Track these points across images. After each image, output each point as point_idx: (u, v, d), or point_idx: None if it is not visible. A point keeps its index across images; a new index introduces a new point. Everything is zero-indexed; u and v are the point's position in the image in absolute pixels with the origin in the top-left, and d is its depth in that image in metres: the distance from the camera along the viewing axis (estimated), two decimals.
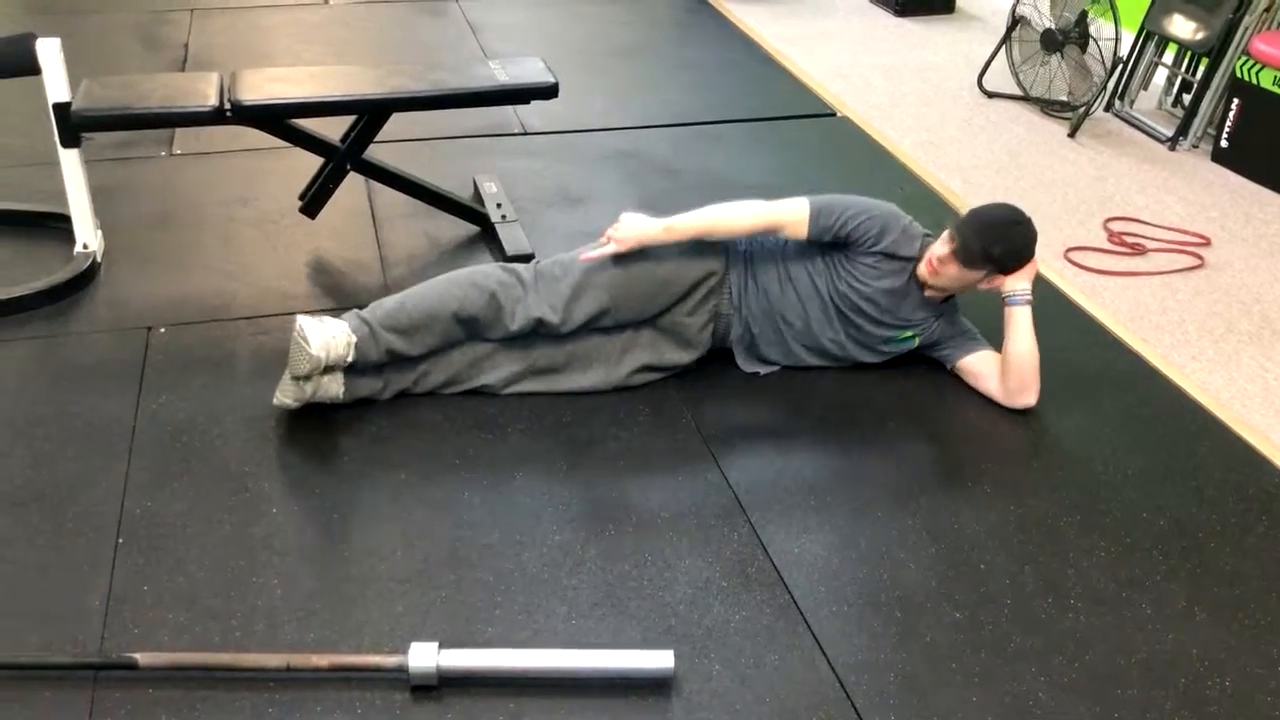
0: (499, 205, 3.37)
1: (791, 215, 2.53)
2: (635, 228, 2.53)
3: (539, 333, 2.54)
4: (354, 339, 2.41)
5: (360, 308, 2.50)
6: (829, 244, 2.58)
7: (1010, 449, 2.49)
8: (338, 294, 2.96)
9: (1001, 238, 2.48)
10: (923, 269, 2.54)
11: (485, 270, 2.56)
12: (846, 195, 2.58)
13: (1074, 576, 2.14)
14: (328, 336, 2.38)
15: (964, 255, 2.46)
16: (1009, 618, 2.04)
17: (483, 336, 2.54)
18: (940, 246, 2.51)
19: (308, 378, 2.40)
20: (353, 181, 3.16)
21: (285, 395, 2.41)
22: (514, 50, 4.76)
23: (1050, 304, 2.99)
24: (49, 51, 2.75)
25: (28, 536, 2.12)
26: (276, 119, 2.91)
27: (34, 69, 2.75)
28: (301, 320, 2.37)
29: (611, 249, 2.53)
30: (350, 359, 2.42)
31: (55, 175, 2.92)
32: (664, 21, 5.31)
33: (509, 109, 4.13)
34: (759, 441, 2.48)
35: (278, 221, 3.30)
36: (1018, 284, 2.53)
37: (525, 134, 4.00)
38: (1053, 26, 4.30)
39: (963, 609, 2.06)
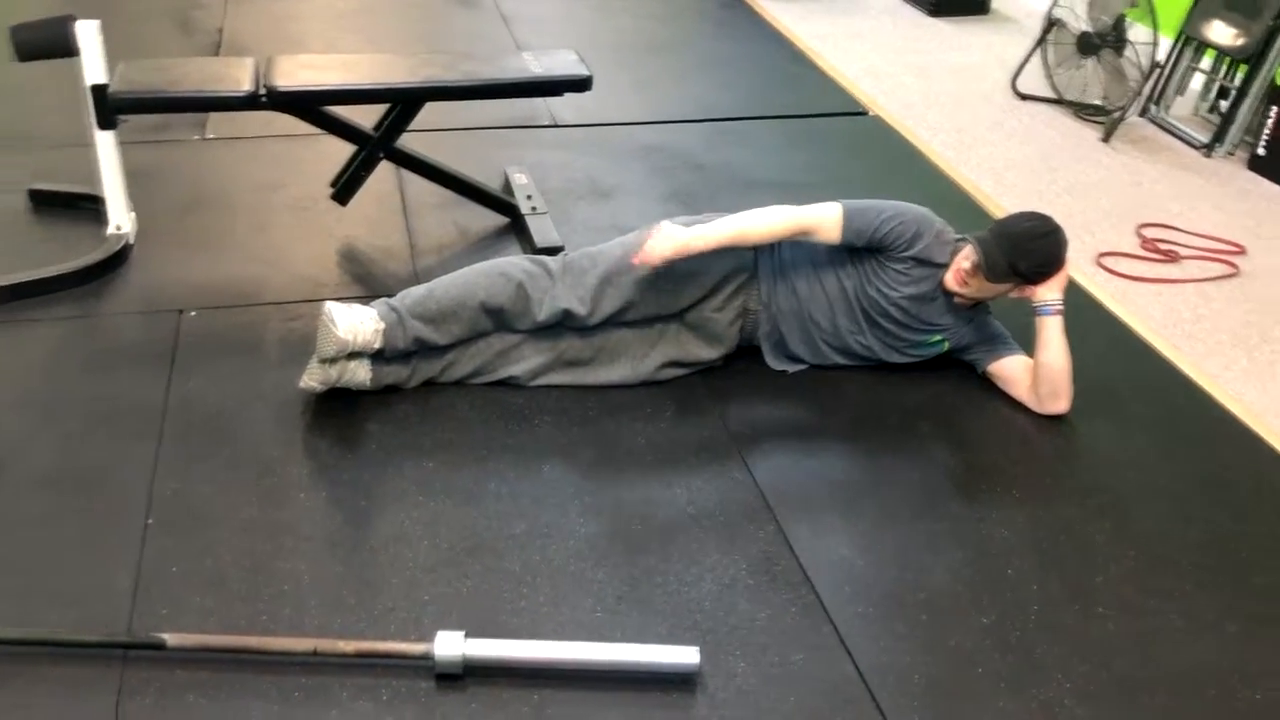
0: (529, 197, 3.37)
1: (824, 220, 2.52)
2: (670, 240, 2.48)
3: (566, 324, 2.54)
4: (382, 326, 2.42)
5: (390, 296, 2.51)
6: (860, 248, 2.57)
7: (1039, 454, 2.48)
8: (367, 281, 2.96)
9: (1028, 253, 2.44)
10: (949, 279, 2.52)
11: (513, 261, 2.56)
12: (879, 199, 2.56)
13: (1102, 585, 2.13)
14: (355, 321, 2.39)
15: (988, 269, 2.44)
16: (1036, 624, 2.03)
17: (510, 327, 2.54)
18: (965, 260, 2.49)
19: (334, 361, 2.41)
20: (383, 170, 3.16)
21: (312, 378, 2.42)
22: (546, 42, 4.76)
23: (1082, 310, 2.97)
24: (88, 33, 2.76)
25: (59, 515, 2.13)
26: (311, 106, 2.91)
27: (72, 50, 2.77)
28: (330, 304, 2.38)
29: (653, 260, 2.48)
30: (377, 346, 2.42)
31: (88, 157, 2.94)
32: (696, 17, 5.30)
33: (539, 101, 4.13)
34: (786, 440, 2.47)
35: (309, 208, 3.31)
36: (1048, 294, 2.50)
37: (555, 126, 4.00)
38: (1089, 29, 4.27)
39: (989, 614, 2.05)
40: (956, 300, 2.57)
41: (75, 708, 1.75)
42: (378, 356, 2.46)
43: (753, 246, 2.59)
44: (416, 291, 2.51)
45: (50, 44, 2.76)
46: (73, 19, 2.75)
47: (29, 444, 2.30)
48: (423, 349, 2.49)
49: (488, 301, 2.48)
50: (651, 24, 5.14)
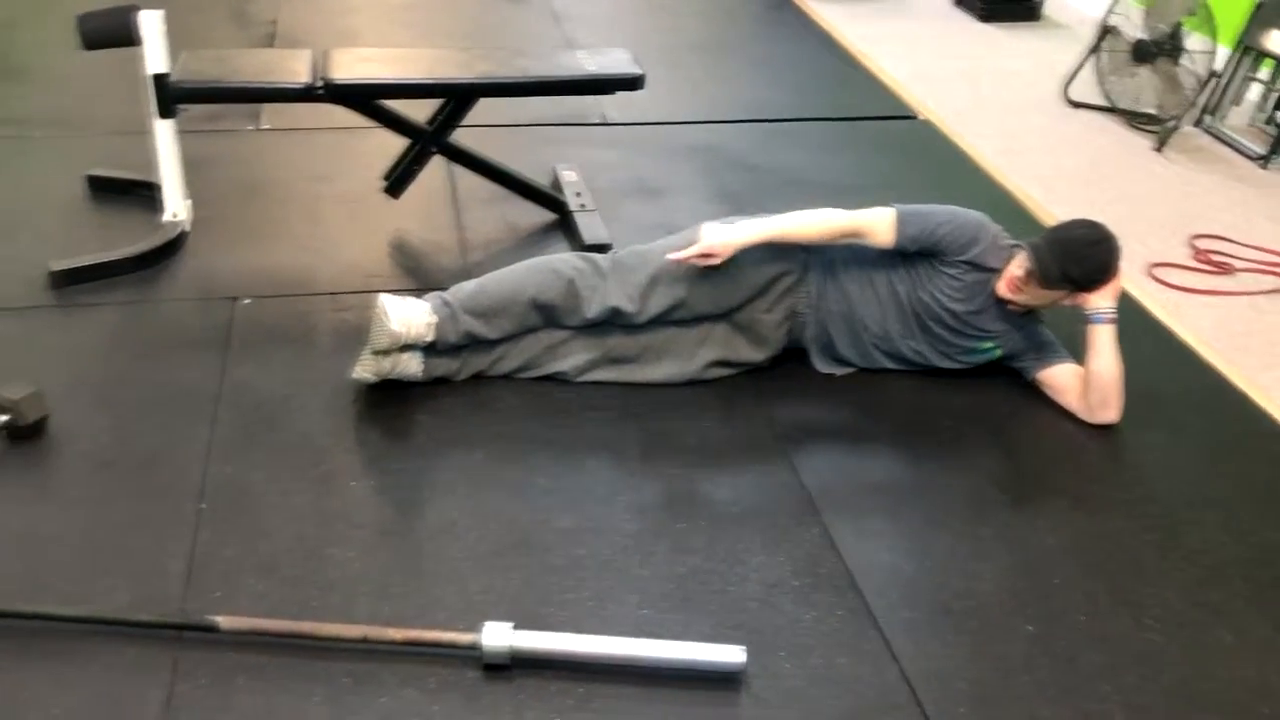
0: (578, 194, 3.38)
1: (877, 223, 2.52)
2: (725, 237, 2.49)
3: (614, 322, 2.55)
4: (434, 320, 2.44)
5: (441, 289, 2.53)
6: (913, 252, 2.56)
7: (1088, 465, 2.46)
8: (418, 275, 2.99)
9: (1081, 259, 2.43)
10: (1002, 286, 2.51)
11: (564, 258, 2.58)
12: (933, 204, 2.56)
13: (1151, 597, 2.11)
14: (408, 314, 2.41)
15: (1041, 277, 2.43)
16: (1083, 634, 2.02)
17: (559, 324, 2.56)
18: (1018, 267, 2.47)
19: (386, 353, 2.43)
20: (434, 164, 3.18)
21: (364, 369, 2.45)
22: (595, 40, 4.77)
23: (1132, 320, 2.94)
24: (150, 23, 2.80)
25: (115, 496, 2.17)
26: (366, 98, 2.94)
27: (135, 40, 2.81)
28: (384, 297, 2.41)
29: (709, 261, 2.49)
30: (429, 339, 2.45)
31: (145, 145, 2.98)
32: (745, 17, 5.30)
33: (589, 98, 4.14)
34: (833, 442, 2.46)
35: (361, 200, 3.34)
36: (1101, 302, 2.48)
37: (605, 124, 4.01)
38: (1145, 37, 4.22)
39: (1036, 622, 2.03)
40: (1009, 307, 2.55)
41: (130, 686, 1.78)
42: (429, 349, 2.49)
43: (804, 248, 2.59)
44: (468, 286, 2.53)
45: (115, 33, 2.81)
46: (137, 9, 2.80)
47: (87, 426, 2.34)
48: (473, 343, 2.51)
49: (538, 298, 2.50)
50: (700, 24, 5.15)
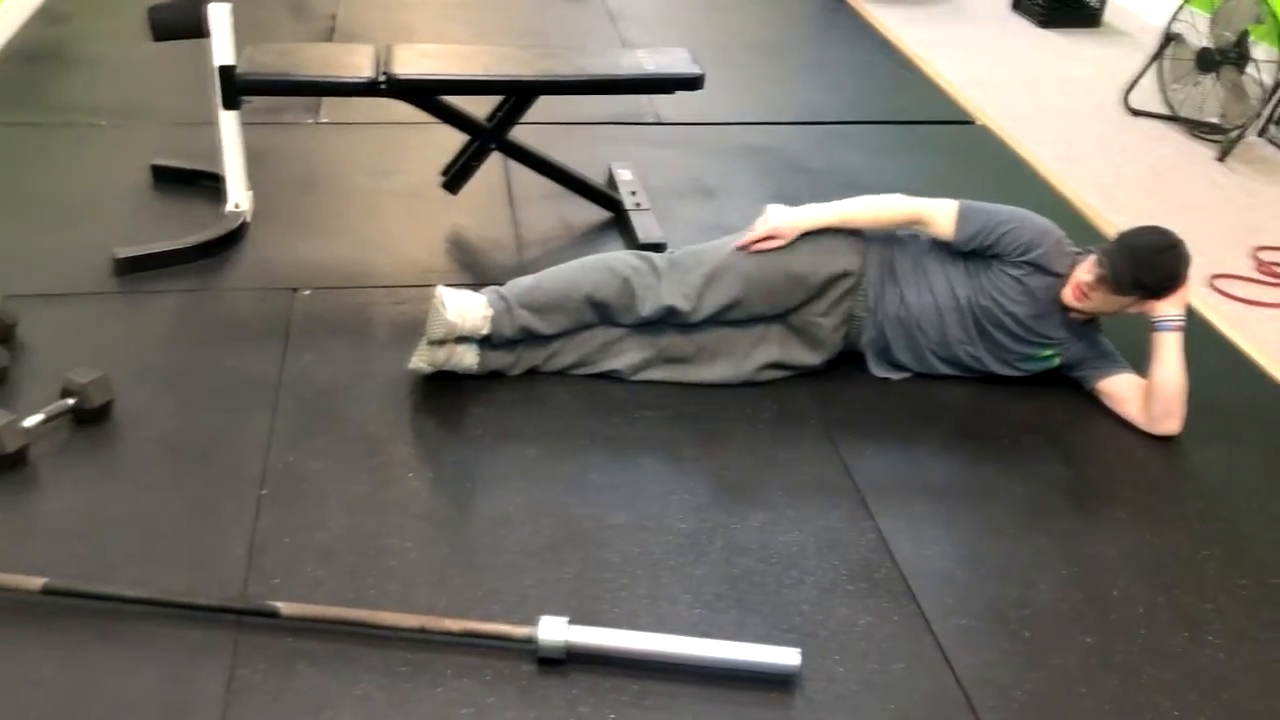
0: (633, 193, 3.39)
1: (940, 213, 2.52)
2: (789, 218, 2.53)
3: (669, 321, 2.55)
4: (490, 313, 2.46)
5: (497, 285, 2.55)
6: (973, 253, 2.54)
7: (1148, 476, 2.43)
8: (474, 269, 3.01)
9: (1153, 266, 2.41)
10: (1068, 293, 2.49)
11: (620, 256, 2.58)
12: (1000, 205, 2.54)
13: (1212, 612, 2.08)
14: (464, 306, 2.43)
15: (1113, 282, 2.41)
16: (1142, 647, 1.99)
17: (614, 321, 2.56)
18: (1086, 273, 2.45)
19: (442, 343, 2.45)
20: (490, 161, 3.20)
21: (420, 359, 2.47)
22: (651, 40, 4.78)
23: (1194, 331, 2.88)
24: (219, 15, 2.84)
25: (179, 481, 2.20)
26: (428, 94, 2.96)
27: (204, 32, 2.85)
28: (441, 288, 2.43)
29: (774, 243, 2.52)
30: (485, 332, 2.47)
31: (206, 136, 3.02)
32: (801, 19, 5.28)
33: (644, 97, 4.15)
34: (888, 447, 2.45)
35: (418, 194, 3.37)
36: (1169, 309, 2.46)
37: (660, 124, 4.02)
38: (1210, 45, 4.16)
39: (1094, 634, 2.01)
40: (1072, 315, 2.53)
41: (193, 668, 1.81)
42: (484, 342, 2.50)
43: (861, 251, 2.58)
44: (525, 282, 2.54)
45: (184, 25, 2.85)
46: (206, 1, 2.83)
47: (151, 410, 2.38)
48: (528, 337, 2.53)
49: (593, 295, 2.51)
50: (755, 25, 5.14)
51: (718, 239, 2.63)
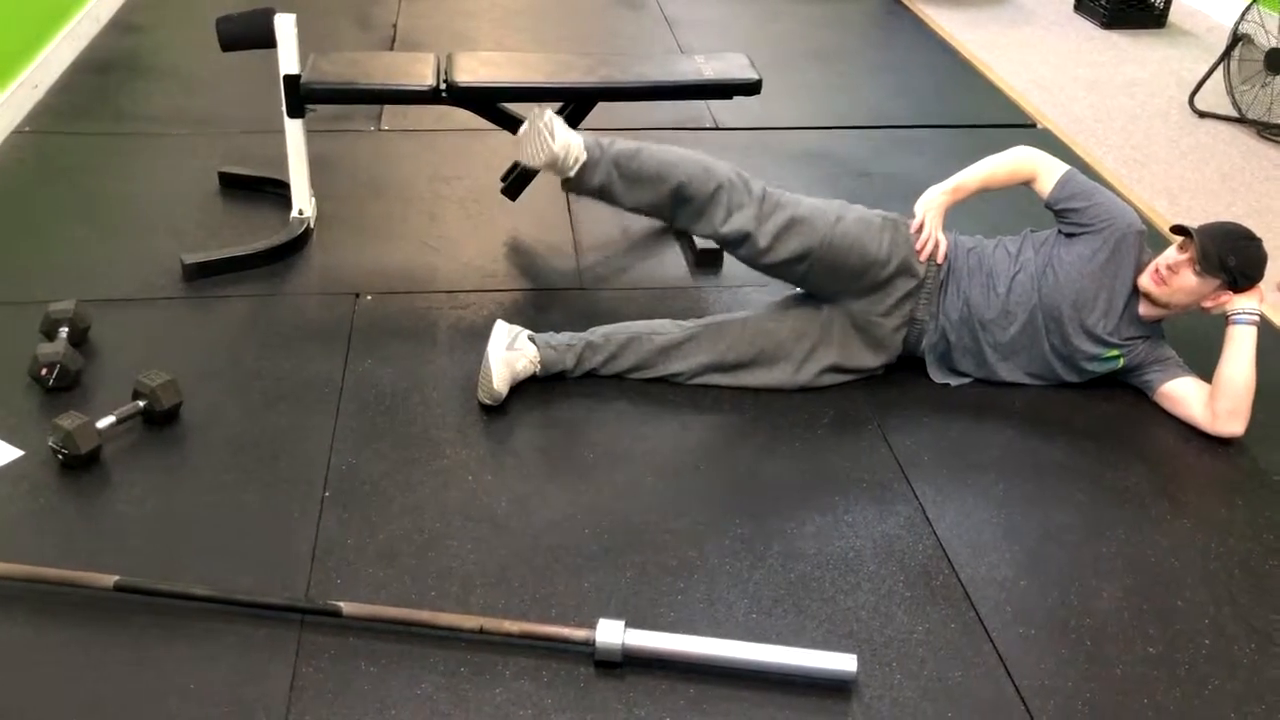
0: None
1: (1049, 169, 2.61)
2: (929, 199, 2.62)
3: (737, 249, 2.54)
4: (585, 157, 2.47)
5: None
6: (1040, 247, 2.57)
7: (1214, 484, 2.39)
8: (533, 275, 3.04)
9: (1239, 250, 2.43)
10: (1146, 280, 2.49)
11: (723, 164, 2.55)
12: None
13: (1279, 624, 2.04)
14: (570, 140, 2.46)
15: (1202, 262, 2.41)
16: (1207, 658, 1.96)
17: (690, 224, 2.54)
18: (1172, 253, 2.47)
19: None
20: None
21: (485, 397, 2.48)
22: (709, 46, 4.79)
23: (1262, 337, 2.84)
24: (285, 26, 2.90)
25: (245, 481, 2.25)
26: (489, 101, 3.00)
27: (270, 42, 2.91)
28: (549, 114, 2.46)
29: (935, 239, 2.59)
30: (573, 173, 2.47)
31: (270, 143, 3.08)
32: (859, 23, 5.26)
33: (701, 103, 4.16)
34: (947, 453, 2.44)
35: (478, 201, 3.41)
36: (1246, 302, 2.46)
37: (717, 129, 4.02)
38: (1279, 46, 4.08)
39: (1157, 644, 1.98)
40: (1142, 311, 2.52)
41: (258, 665, 1.85)
42: (545, 350, 2.52)
43: (929, 258, 2.57)
44: (626, 145, 2.52)
45: (251, 35, 2.91)
46: (273, 12, 2.90)
47: (218, 413, 2.44)
48: (605, 196, 2.52)
49: (685, 187, 2.49)
50: (813, 29, 5.12)
51: (818, 198, 2.61)
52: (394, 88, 2.93)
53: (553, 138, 2.42)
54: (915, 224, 2.60)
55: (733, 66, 3.12)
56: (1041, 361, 2.60)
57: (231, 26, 2.93)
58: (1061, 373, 2.61)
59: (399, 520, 2.17)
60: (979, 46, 5.02)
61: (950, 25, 5.28)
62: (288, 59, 2.92)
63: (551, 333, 2.59)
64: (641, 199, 2.52)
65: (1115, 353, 2.56)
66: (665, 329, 2.60)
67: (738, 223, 2.50)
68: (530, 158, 2.45)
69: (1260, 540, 2.24)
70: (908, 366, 2.68)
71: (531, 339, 2.54)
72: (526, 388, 2.55)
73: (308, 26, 4.74)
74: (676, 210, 2.54)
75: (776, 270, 2.56)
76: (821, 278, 2.55)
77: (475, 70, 2.98)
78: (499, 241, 3.19)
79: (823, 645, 1.95)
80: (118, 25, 4.69)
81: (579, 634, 1.88)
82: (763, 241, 2.50)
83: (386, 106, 3.99)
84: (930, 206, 2.62)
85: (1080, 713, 1.85)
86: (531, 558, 2.10)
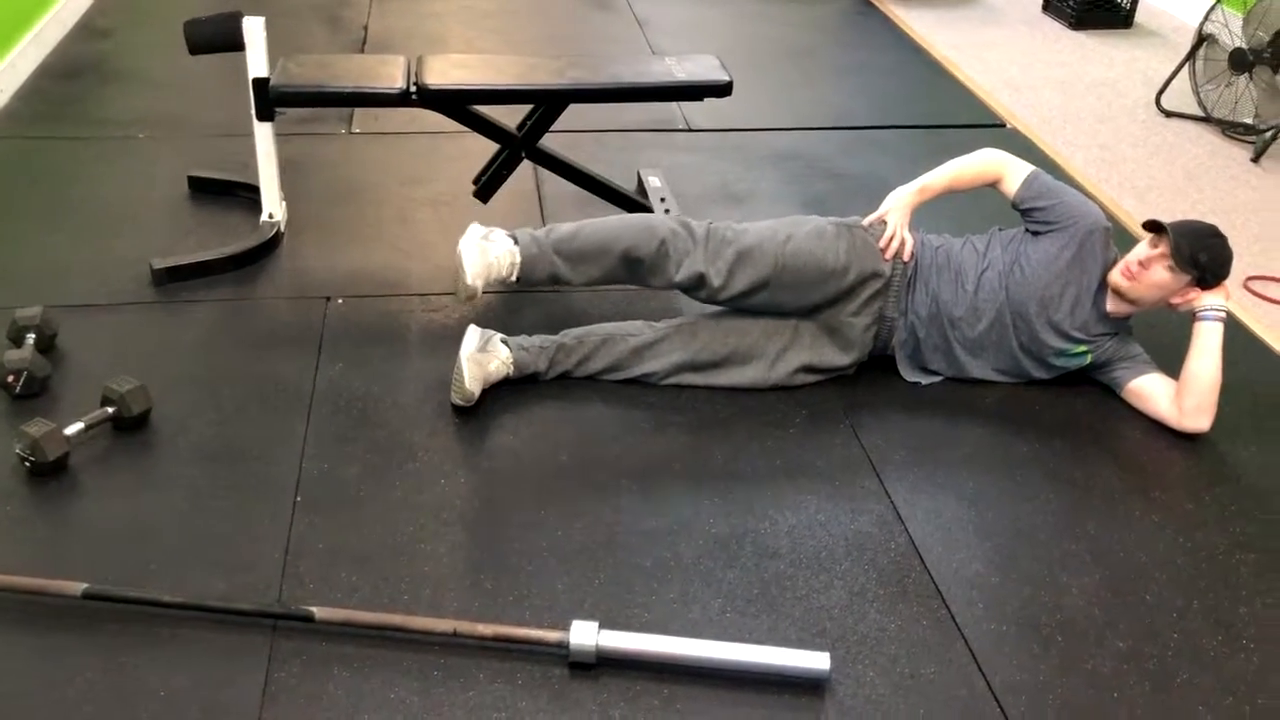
0: (663, 199, 3.40)
1: (1015, 170, 2.64)
2: (896, 198, 2.65)
3: (697, 292, 2.58)
4: (518, 260, 2.54)
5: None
6: (1008, 244, 2.60)
7: (1181, 479, 2.41)
8: None
9: (1210, 248, 2.47)
10: (1117, 275, 2.51)
11: (661, 218, 2.61)
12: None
13: (1247, 616, 2.06)
14: (489, 260, 2.53)
15: (1175, 257, 2.44)
16: (1176, 652, 1.98)
17: (644, 282, 2.61)
18: (1144, 249, 2.50)
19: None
20: (521, 168, 3.22)
21: (457, 397, 2.48)
22: (680, 47, 4.80)
23: (1228, 332, 2.87)
24: (254, 29, 2.88)
25: (215, 487, 2.23)
26: (459, 104, 2.99)
27: (239, 45, 2.89)
28: (463, 245, 2.52)
29: (901, 238, 2.61)
30: (514, 279, 2.55)
31: (242, 147, 3.06)
32: (829, 24, 5.28)
33: (673, 105, 4.17)
34: (918, 451, 2.45)
35: (450, 203, 3.40)
36: (1213, 299, 2.49)
37: (689, 130, 4.03)
38: (1243, 45, 4.12)
39: (1127, 639, 2.00)
40: (1110, 308, 2.55)
41: (230, 671, 1.84)
42: (516, 351, 2.53)
43: (895, 255, 2.59)
44: (564, 228, 2.60)
45: (220, 38, 2.90)
46: (241, 15, 2.88)
47: (189, 418, 2.42)
48: (556, 281, 2.60)
49: (630, 251, 2.55)
50: (784, 30, 5.14)
51: (760, 222, 2.64)
52: (364, 90, 2.92)
53: (464, 271, 2.50)
54: (874, 217, 2.64)
55: (704, 68, 3.12)
56: (1010, 358, 2.62)
57: (200, 29, 2.91)
58: (1030, 369, 2.63)
59: (371, 524, 2.16)
60: (948, 47, 5.05)
61: (920, 26, 5.31)
62: (256, 62, 2.91)
63: (524, 335, 2.59)
64: (592, 273, 2.59)
65: (1083, 349, 2.58)
66: (638, 330, 2.61)
67: (689, 268, 2.54)
68: (460, 295, 2.54)
69: (1228, 535, 2.26)
70: (879, 365, 2.69)
71: (504, 341, 2.55)
72: (499, 390, 2.54)
73: (277, 29, 4.70)
74: (630, 273, 2.60)
75: (740, 303, 2.59)
76: (786, 298, 2.57)
77: (446, 72, 2.97)
78: None
79: (796, 643, 1.95)
80: (84, 29, 4.66)
81: (553, 636, 1.88)
82: (717, 280, 2.54)
83: (357, 109, 3.97)
84: (897, 206, 2.64)
85: (1051, 707, 1.86)
86: (505, 560, 2.10)
